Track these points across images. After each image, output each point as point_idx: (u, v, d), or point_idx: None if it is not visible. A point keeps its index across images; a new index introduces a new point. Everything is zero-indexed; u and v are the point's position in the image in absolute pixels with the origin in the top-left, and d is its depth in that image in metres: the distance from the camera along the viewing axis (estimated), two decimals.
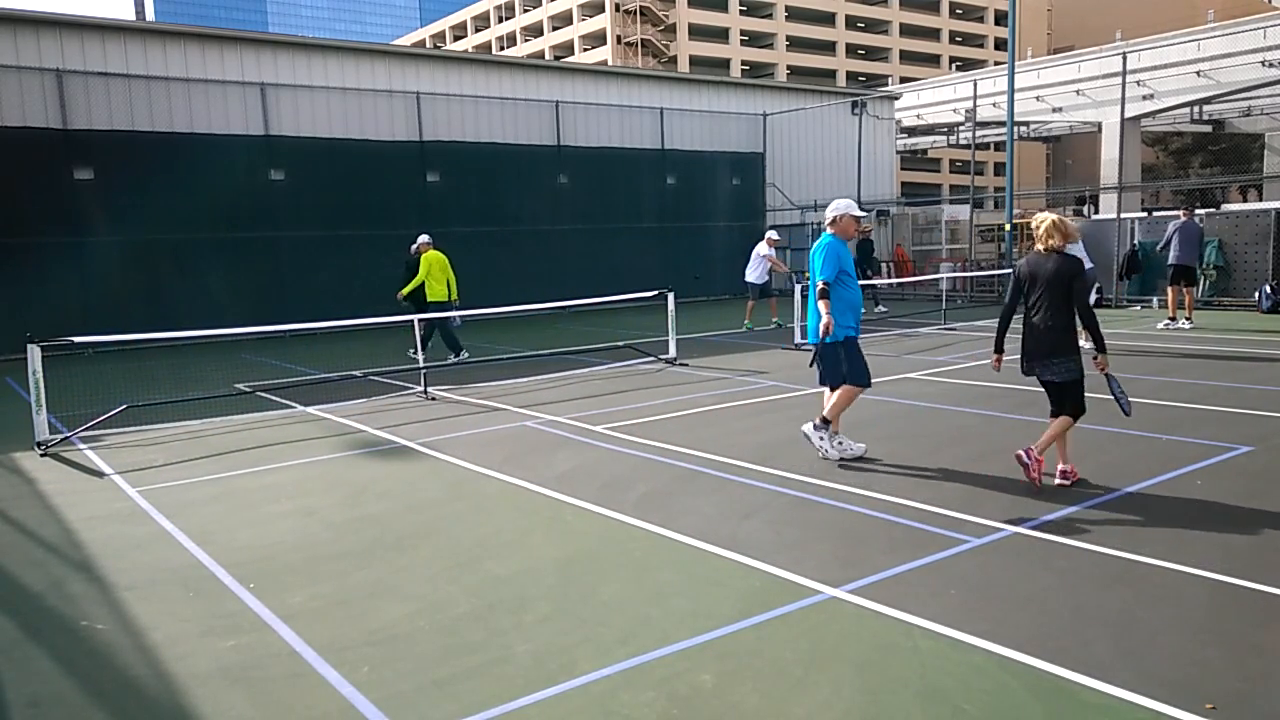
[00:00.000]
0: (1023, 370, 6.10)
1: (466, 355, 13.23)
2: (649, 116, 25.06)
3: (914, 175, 75.01)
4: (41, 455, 8.01)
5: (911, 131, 46.84)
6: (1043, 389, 6.15)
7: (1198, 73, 32.25)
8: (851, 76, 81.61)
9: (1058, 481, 5.91)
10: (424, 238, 13.91)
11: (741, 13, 78.75)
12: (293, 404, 10.23)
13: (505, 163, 22.19)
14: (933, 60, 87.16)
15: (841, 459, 6.70)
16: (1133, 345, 12.93)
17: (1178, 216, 15.04)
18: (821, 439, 6.76)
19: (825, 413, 6.79)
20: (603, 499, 6.01)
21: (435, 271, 13.29)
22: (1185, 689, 3.28)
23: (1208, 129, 42.99)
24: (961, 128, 42.41)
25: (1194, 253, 14.75)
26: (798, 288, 14.89)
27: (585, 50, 78.68)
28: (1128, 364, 11.13)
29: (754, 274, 16.92)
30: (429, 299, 13.29)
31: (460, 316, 14.96)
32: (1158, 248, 15.37)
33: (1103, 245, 19.49)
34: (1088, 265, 12.21)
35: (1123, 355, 11.96)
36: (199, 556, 5.19)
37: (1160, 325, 14.79)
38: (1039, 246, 6.01)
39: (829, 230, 6.97)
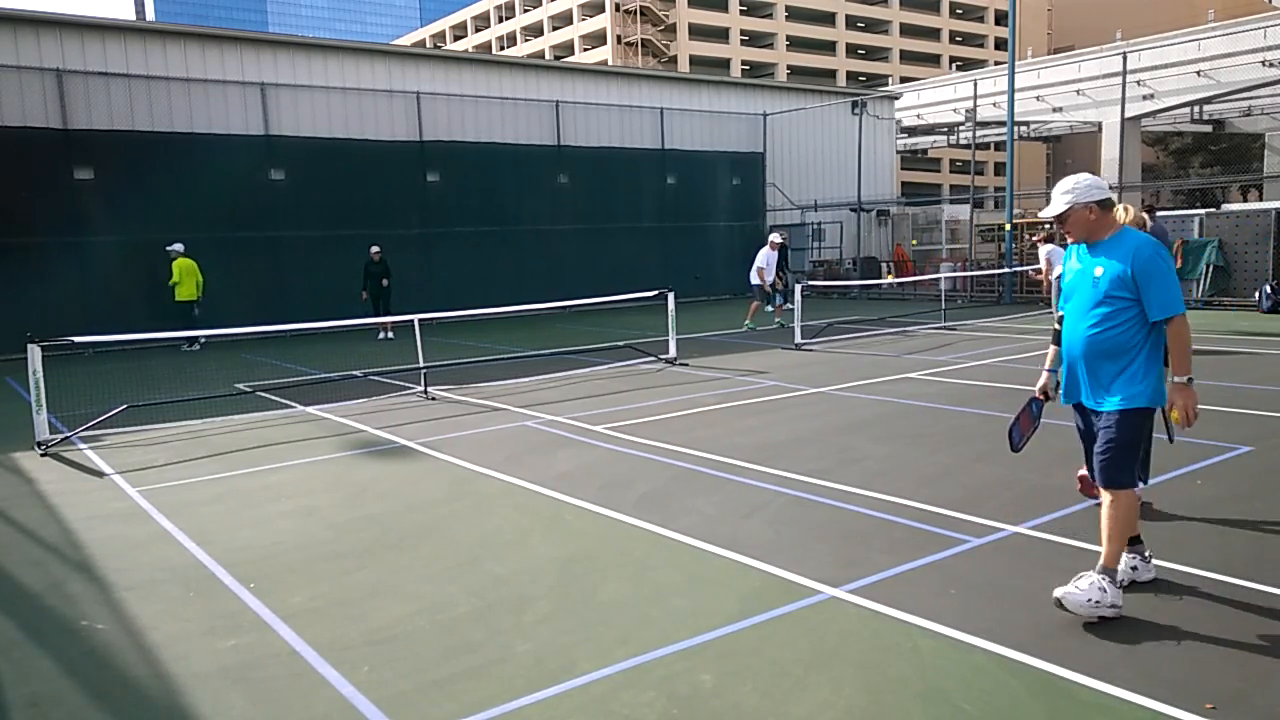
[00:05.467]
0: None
1: (197, 347, 16.70)
2: (649, 116, 25.06)
3: (914, 175, 74.95)
4: (41, 455, 8.01)
5: (911, 131, 46.79)
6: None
7: (1198, 72, 32.22)
8: (851, 76, 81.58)
9: None
10: (178, 246, 16.87)
11: (741, 13, 78.68)
12: (293, 404, 10.23)
13: (505, 163, 22.19)
14: (933, 60, 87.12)
15: None
16: None
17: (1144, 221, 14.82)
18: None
19: None
20: (603, 499, 6.01)
21: (182, 276, 16.78)
22: (1185, 689, 3.28)
23: (1208, 129, 42.92)
24: (961, 128, 42.35)
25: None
26: (798, 288, 14.89)
27: (585, 50, 78.65)
28: None
29: (758, 275, 16.98)
30: (177, 299, 16.75)
31: (389, 327, 17.52)
32: None
33: None
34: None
35: None
36: (199, 556, 5.19)
37: None
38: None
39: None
